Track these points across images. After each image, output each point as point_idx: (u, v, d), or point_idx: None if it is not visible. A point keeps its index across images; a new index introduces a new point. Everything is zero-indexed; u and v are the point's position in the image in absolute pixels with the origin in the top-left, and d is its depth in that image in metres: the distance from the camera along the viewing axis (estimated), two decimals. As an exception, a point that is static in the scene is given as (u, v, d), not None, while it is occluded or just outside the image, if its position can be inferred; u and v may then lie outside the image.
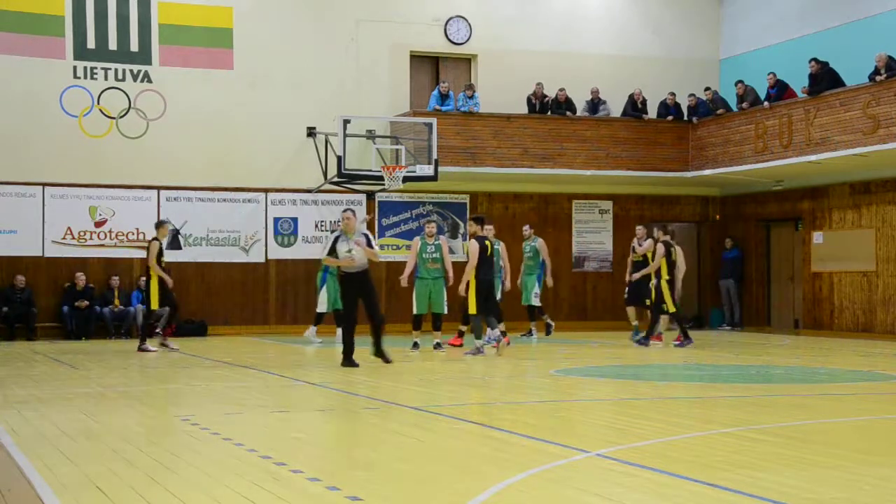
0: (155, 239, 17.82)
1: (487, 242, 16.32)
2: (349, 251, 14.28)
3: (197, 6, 22.69)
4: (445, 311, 17.64)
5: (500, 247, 18.47)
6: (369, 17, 23.80)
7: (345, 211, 14.85)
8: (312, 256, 22.98)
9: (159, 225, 18.42)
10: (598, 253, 25.12)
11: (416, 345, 17.32)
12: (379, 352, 14.69)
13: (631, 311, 19.76)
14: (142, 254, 22.18)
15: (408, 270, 17.66)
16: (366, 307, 14.48)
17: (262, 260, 22.95)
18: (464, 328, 18.32)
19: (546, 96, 24.01)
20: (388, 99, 23.75)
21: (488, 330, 17.33)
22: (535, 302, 20.50)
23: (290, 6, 23.42)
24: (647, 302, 18.79)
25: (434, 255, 17.35)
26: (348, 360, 14.32)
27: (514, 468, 6.88)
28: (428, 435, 8.61)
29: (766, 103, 22.44)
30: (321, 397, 11.39)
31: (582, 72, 24.91)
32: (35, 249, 21.55)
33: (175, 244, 22.26)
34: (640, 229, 19.91)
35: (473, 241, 16.31)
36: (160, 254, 17.67)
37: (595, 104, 24.37)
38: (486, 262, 16.19)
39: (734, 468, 6.87)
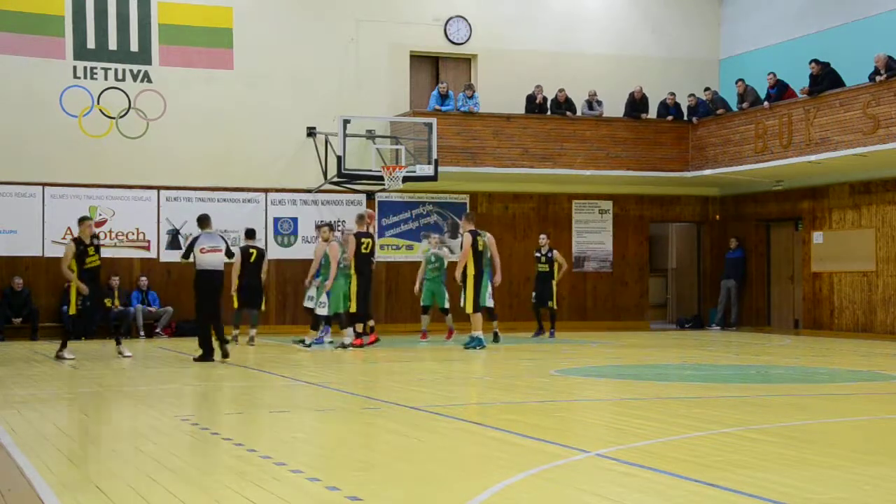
0: (74, 240, 15.95)
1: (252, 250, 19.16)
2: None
3: (197, 6, 22.69)
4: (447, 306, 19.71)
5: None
6: (369, 17, 23.80)
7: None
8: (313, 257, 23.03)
9: (80, 221, 16.14)
10: (598, 253, 25.12)
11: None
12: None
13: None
14: (142, 253, 22.28)
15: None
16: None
17: (262, 260, 22.92)
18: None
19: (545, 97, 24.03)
20: (387, 99, 23.74)
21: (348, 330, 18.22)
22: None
23: (290, 6, 23.42)
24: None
25: (434, 264, 19.92)
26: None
27: (513, 468, 6.88)
28: (428, 435, 8.60)
29: (766, 103, 22.44)
30: (321, 397, 11.38)
31: (582, 72, 24.91)
32: (35, 249, 21.55)
33: (175, 244, 22.26)
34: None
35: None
36: (82, 255, 15.64)
37: (592, 105, 24.35)
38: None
39: (734, 468, 6.87)
